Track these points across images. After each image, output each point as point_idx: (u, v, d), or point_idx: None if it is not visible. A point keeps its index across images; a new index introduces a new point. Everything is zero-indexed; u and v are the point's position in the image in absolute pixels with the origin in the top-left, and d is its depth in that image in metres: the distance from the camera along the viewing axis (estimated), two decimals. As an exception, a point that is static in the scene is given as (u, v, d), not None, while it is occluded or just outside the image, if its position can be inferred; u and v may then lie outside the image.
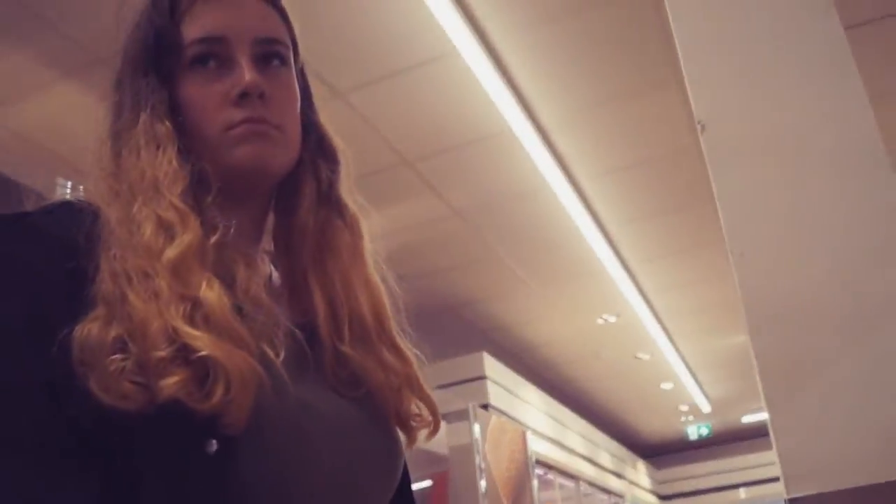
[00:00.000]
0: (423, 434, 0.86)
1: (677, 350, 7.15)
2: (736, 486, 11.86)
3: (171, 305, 0.65)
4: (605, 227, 4.79)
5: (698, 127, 1.39)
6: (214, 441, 0.62)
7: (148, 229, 0.69)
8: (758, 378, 1.18)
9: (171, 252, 0.68)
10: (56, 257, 0.67)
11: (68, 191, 1.70)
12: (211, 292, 0.67)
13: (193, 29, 0.78)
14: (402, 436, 0.84)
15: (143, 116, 0.76)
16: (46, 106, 3.22)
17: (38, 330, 0.63)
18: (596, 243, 4.86)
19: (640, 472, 10.67)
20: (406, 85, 3.37)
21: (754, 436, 10.16)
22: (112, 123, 0.81)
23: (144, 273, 0.67)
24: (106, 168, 0.77)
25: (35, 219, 0.71)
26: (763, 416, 1.19)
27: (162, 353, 0.62)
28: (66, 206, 0.73)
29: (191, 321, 0.65)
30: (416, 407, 0.86)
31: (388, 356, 0.83)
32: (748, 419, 9.82)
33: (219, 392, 0.62)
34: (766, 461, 10.01)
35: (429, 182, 4.08)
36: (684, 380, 7.93)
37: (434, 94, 3.44)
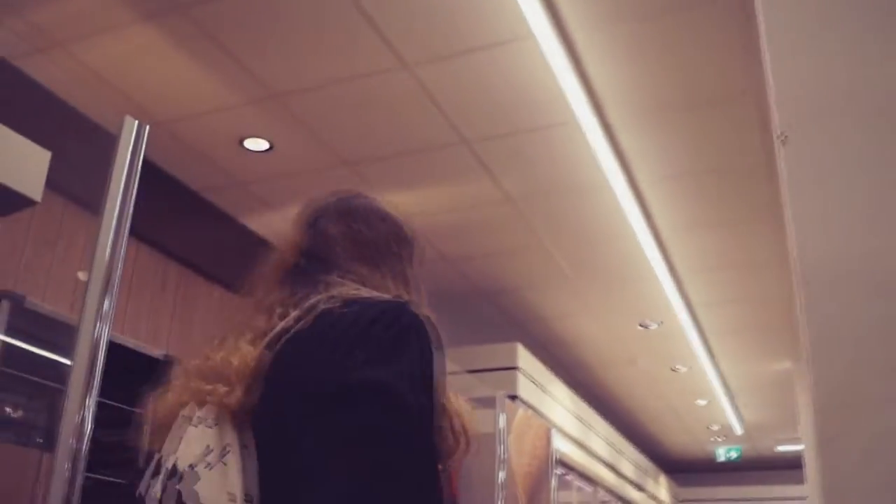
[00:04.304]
0: None
1: (717, 367, 6.98)
2: (759, 515, 11.58)
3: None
4: (659, 232, 4.67)
5: (778, 140, 1.30)
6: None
7: None
8: (811, 410, 1.11)
9: None
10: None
11: (135, 128, 1.71)
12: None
13: None
14: None
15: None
16: (121, 46, 3.24)
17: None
18: (648, 247, 4.75)
19: (661, 487, 10.50)
20: (476, 64, 3.30)
21: (785, 466, 9.91)
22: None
23: None
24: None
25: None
26: (797, 447, 1.11)
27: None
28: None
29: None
30: None
31: None
32: (782, 448, 9.57)
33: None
34: (793, 494, 9.76)
35: (485, 164, 4.01)
36: (720, 399, 7.76)
37: (503, 76, 3.37)
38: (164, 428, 1.01)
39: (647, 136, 3.81)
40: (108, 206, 1.68)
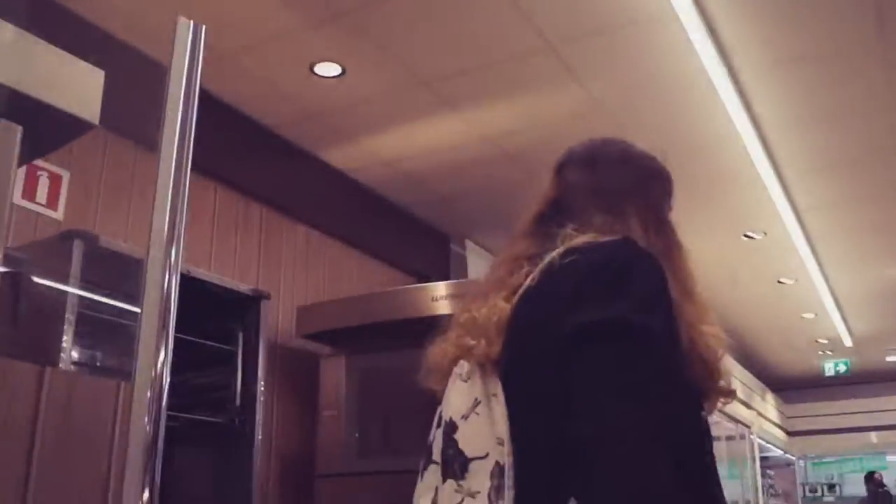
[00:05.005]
0: None
1: (825, 277, 6.57)
2: (868, 429, 11.15)
3: None
4: (763, 130, 4.29)
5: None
6: None
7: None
8: None
9: None
10: None
11: (190, 29, 1.51)
12: None
13: None
14: None
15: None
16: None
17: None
18: (751, 147, 4.38)
19: (769, 405, 10.16)
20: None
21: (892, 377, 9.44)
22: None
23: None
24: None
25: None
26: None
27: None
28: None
29: None
30: None
31: None
32: (894, 358, 9.08)
33: None
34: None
35: (572, 68, 3.70)
36: (829, 310, 7.35)
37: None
38: (435, 372, 1.13)
39: (750, 22, 3.44)
40: (168, 118, 1.49)
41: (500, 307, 1.07)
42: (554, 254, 1.07)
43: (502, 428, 0.98)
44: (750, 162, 4.54)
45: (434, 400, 1.13)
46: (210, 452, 3.11)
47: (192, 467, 3.03)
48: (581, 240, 1.08)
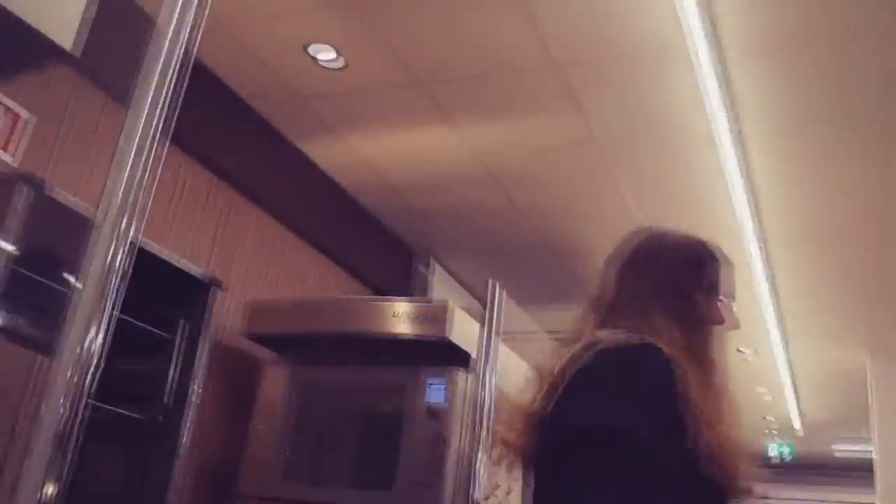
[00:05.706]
0: None
1: (787, 353, 6.48)
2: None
3: None
4: (755, 194, 4.18)
5: None
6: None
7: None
8: None
9: None
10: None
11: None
12: None
13: None
14: None
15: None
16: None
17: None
18: (740, 209, 4.26)
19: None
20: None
21: (839, 468, 9.39)
22: None
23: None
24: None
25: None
26: (859, 448, 0.71)
27: None
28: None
29: None
30: None
31: None
32: (840, 447, 9.02)
33: None
34: (849, 500, 9.24)
35: (574, 94, 3.52)
36: (784, 389, 7.26)
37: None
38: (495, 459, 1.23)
39: (762, 80, 3.33)
40: (144, 73, 1.31)
41: (530, 400, 1.18)
42: (572, 352, 1.15)
43: None
44: (736, 222, 4.42)
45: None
46: (124, 452, 2.75)
47: (102, 467, 2.67)
48: (603, 337, 1.15)
